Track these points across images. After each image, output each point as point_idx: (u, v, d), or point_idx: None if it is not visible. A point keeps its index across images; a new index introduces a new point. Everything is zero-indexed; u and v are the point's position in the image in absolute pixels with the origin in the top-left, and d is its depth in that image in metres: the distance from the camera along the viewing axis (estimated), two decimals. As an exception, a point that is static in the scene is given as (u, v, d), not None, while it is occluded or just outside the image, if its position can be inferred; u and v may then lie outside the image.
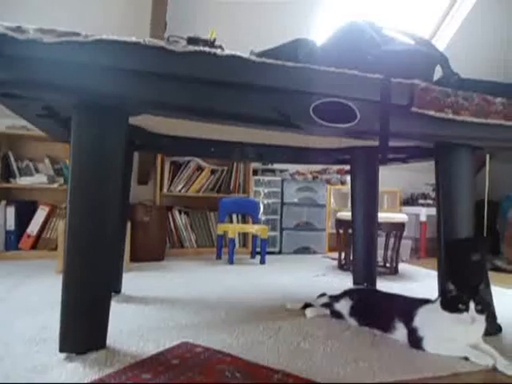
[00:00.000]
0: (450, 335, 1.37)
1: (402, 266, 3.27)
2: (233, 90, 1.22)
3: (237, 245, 3.72)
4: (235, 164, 3.77)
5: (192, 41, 1.48)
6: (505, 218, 3.50)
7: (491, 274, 3.16)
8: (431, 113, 1.38)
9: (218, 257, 3.31)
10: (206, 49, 1.16)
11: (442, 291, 1.40)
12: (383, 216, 2.97)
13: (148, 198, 3.50)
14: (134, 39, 1.11)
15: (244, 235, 3.74)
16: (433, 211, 4.15)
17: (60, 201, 3.24)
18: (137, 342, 1.39)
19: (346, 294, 1.78)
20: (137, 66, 1.13)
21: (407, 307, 1.52)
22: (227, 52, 1.17)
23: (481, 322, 1.36)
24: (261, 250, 3.19)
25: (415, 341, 1.42)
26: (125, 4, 2.85)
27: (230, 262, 3.09)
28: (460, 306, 1.34)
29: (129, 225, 2.73)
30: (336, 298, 1.78)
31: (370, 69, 1.37)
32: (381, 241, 3.20)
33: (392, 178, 4.44)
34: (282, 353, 1.34)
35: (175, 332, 1.51)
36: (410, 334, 1.44)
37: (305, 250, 3.82)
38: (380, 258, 3.19)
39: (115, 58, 1.11)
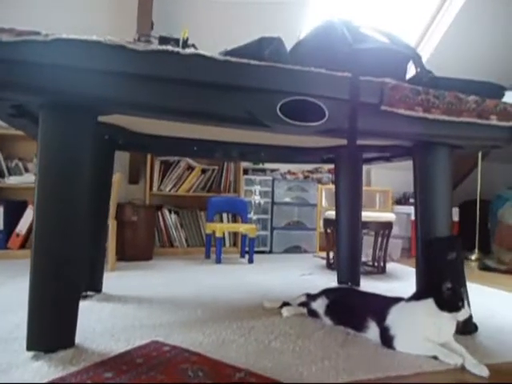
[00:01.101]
0: (423, 334, 1.36)
1: (391, 266, 3.26)
2: (198, 89, 1.22)
3: (227, 244, 3.72)
4: (226, 163, 3.77)
5: (163, 40, 1.49)
6: (495, 217, 3.49)
7: (482, 274, 3.18)
8: (401, 111, 1.38)
9: (207, 256, 3.31)
10: (169, 47, 1.15)
11: (437, 291, 1.38)
12: (370, 215, 2.96)
13: (138, 198, 3.50)
14: (94, 38, 1.11)
15: (235, 234, 3.74)
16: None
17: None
18: (107, 341, 1.40)
19: (323, 293, 1.77)
20: (98, 66, 1.13)
21: (381, 306, 1.52)
22: (190, 51, 1.17)
23: (452, 319, 1.36)
24: (249, 249, 3.19)
25: (387, 340, 1.41)
26: (111, 5, 2.86)
27: (218, 261, 3.09)
28: (459, 303, 1.34)
29: (115, 224, 2.74)
30: (313, 297, 1.78)
31: (341, 67, 1.37)
32: (370, 240, 3.20)
33: (385, 178, 4.44)
34: (251, 352, 1.34)
35: (148, 331, 1.51)
36: (382, 332, 1.44)
37: (296, 250, 3.82)
38: (369, 258, 3.19)
39: (76, 58, 1.11)
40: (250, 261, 3.17)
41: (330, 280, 2.59)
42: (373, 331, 1.48)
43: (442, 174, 1.72)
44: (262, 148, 2.41)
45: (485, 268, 3.36)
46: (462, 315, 1.34)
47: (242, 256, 3.42)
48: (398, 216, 4.22)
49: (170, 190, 3.59)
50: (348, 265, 2.45)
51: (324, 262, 3.30)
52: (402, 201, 4.31)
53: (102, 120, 1.78)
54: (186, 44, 1.52)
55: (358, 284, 2.41)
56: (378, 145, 2.24)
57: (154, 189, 3.55)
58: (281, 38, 1.32)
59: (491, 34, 3.69)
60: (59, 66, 1.12)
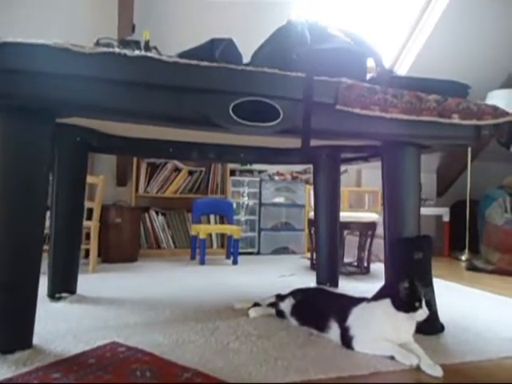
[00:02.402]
0: (380, 334, 1.36)
1: (376, 266, 3.25)
2: (148, 91, 1.23)
3: (215, 245, 3.73)
4: (213, 165, 3.77)
5: (123, 43, 1.49)
6: (483, 217, 3.46)
7: (468, 274, 3.16)
8: (357, 110, 1.38)
9: (192, 257, 3.32)
10: (116, 50, 1.16)
11: (396, 291, 1.37)
12: (353, 216, 2.95)
13: (123, 200, 3.51)
14: (40, 41, 1.12)
15: (222, 236, 3.75)
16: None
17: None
18: (68, 342, 1.40)
19: (292, 293, 1.77)
20: (46, 68, 1.14)
21: (344, 307, 1.51)
22: (137, 53, 1.18)
23: (411, 320, 1.35)
24: (233, 250, 3.19)
25: (346, 340, 1.41)
26: (92, 8, 2.88)
27: (202, 262, 3.10)
28: (416, 304, 1.33)
29: (97, 226, 2.76)
30: (282, 298, 1.78)
31: (297, 67, 1.37)
32: (356, 240, 3.19)
33: (376, 178, 4.41)
34: (207, 352, 1.34)
35: (111, 332, 1.52)
36: (342, 333, 1.43)
37: (283, 251, 3.81)
38: (355, 258, 3.18)
39: (24, 61, 1.12)
40: (235, 262, 3.18)
41: (311, 281, 2.58)
42: (334, 332, 1.47)
43: (408, 174, 1.71)
44: (240, 149, 2.42)
45: (472, 268, 3.33)
46: (419, 316, 1.33)
47: (228, 257, 3.42)
48: (387, 216, 4.21)
49: (157, 192, 3.61)
50: (327, 265, 2.45)
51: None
52: (392, 201, 4.28)
53: (73, 122, 1.80)
54: (147, 47, 1.53)
55: (336, 285, 2.40)
56: (354, 145, 2.24)
57: (141, 191, 3.56)
58: (232, 39, 1.32)
59: (476, 34, 3.67)
60: (9, 69, 1.13)
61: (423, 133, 1.54)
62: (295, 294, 1.75)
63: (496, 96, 3.70)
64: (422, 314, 1.33)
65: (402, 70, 3.88)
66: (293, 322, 1.65)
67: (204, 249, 3.12)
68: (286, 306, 1.71)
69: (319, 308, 1.59)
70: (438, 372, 1.22)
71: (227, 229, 3.25)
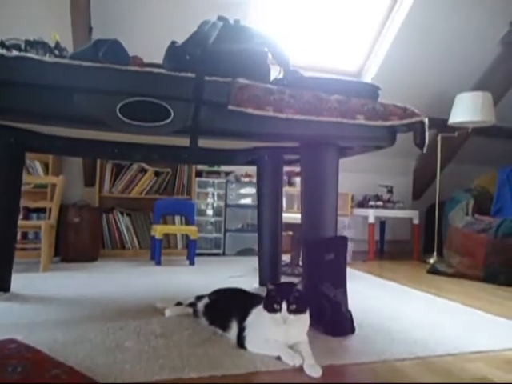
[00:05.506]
0: (268, 335, 1.36)
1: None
2: (31, 91, 1.25)
3: (179, 246, 3.74)
4: (179, 166, 3.79)
5: (29, 44, 1.51)
6: (447, 219, 3.42)
7: (428, 278, 3.12)
8: (249, 110, 1.38)
9: (152, 258, 3.33)
10: (-8, 50, 1.18)
11: (266, 291, 1.38)
12: (295, 217, 2.95)
13: (85, 199, 3.53)
14: None
15: (187, 237, 3.76)
16: (382, 213, 4.10)
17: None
18: (-34, 339, 1.42)
19: (211, 293, 1.78)
20: None
21: (247, 307, 1.51)
22: (16, 53, 1.20)
23: (298, 321, 1.35)
24: (190, 251, 3.20)
25: (240, 340, 1.41)
26: (44, 12, 2.92)
27: (157, 262, 3.11)
28: (275, 306, 1.33)
29: (48, 225, 2.79)
30: (200, 298, 1.78)
31: (190, 67, 1.38)
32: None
33: (346, 180, 4.38)
34: (97, 350, 1.35)
35: (19, 328, 1.54)
36: (238, 332, 1.44)
37: (249, 252, 3.81)
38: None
39: None
40: (192, 263, 3.19)
41: (256, 282, 2.58)
42: (234, 331, 1.47)
43: (325, 175, 1.71)
44: (183, 150, 2.43)
45: (434, 272, 3.30)
46: (276, 318, 1.31)
47: (188, 258, 3.43)
48: (355, 219, 4.20)
49: (122, 193, 3.64)
50: (269, 266, 2.45)
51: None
52: (364, 203, 4.27)
53: (6, 123, 1.83)
54: (56, 47, 1.55)
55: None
56: (294, 146, 2.24)
57: (105, 191, 3.59)
58: (117, 40, 1.34)
59: (437, 45, 3.67)
60: None
61: (328, 133, 1.54)
62: (212, 294, 1.76)
63: (464, 98, 3.67)
64: (279, 318, 1.31)
65: (369, 73, 3.88)
66: (203, 321, 1.65)
67: (160, 249, 3.14)
68: (201, 305, 1.71)
69: (226, 308, 1.59)
70: (315, 372, 1.22)
71: (184, 229, 3.26)
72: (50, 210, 2.93)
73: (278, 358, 1.31)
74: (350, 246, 3.65)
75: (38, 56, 1.22)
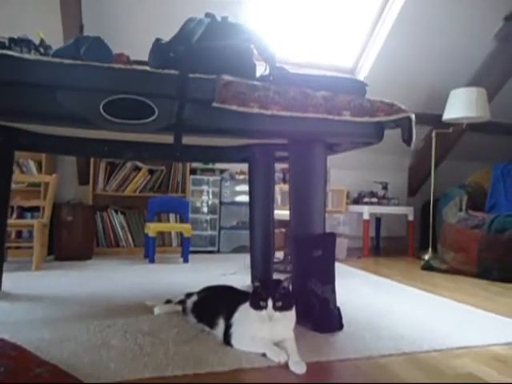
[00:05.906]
0: (254, 332, 1.36)
1: (329, 265, 3.23)
2: (12, 89, 1.24)
3: (174, 244, 3.75)
4: (174, 164, 3.79)
5: (13, 41, 1.50)
6: (441, 216, 3.42)
7: (422, 274, 3.13)
8: (234, 107, 1.37)
9: (146, 255, 3.33)
10: (-28, 48, 1.18)
11: (253, 288, 1.39)
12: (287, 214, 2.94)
13: (78, 198, 3.53)
14: None
15: (181, 235, 3.76)
16: (377, 209, 4.10)
17: None
18: (-45, 337, 1.42)
19: (200, 291, 1.77)
20: None
21: (234, 304, 1.51)
22: (-3, 51, 1.19)
23: (284, 318, 1.35)
24: (184, 248, 3.20)
25: (226, 337, 1.41)
26: (34, 9, 2.90)
27: (151, 260, 3.11)
28: (261, 303, 1.33)
29: (41, 224, 2.78)
30: (189, 296, 1.78)
31: (174, 65, 1.38)
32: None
33: (341, 177, 4.40)
34: (82, 348, 1.35)
35: (6, 327, 1.54)
36: (225, 330, 1.43)
37: (243, 249, 3.80)
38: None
39: None
40: (185, 260, 3.19)
41: (248, 279, 2.58)
42: (220, 329, 1.47)
43: (313, 171, 1.70)
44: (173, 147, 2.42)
45: (428, 268, 3.30)
46: (262, 315, 1.31)
47: (182, 256, 3.43)
48: (351, 215, 4.20)
49: (116, 191, 3.63)
50: (261, 264, 2.45)
51: (264, 261, 3.28)
52: (359, 200, 4.26)
53: None
54: (41, 45, 1.54)
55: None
56: (284, 143, 2.23)
57: (99, 189, 3.58)
58: (99, 37, 1.33)
59: (431, 41, 3.66)
60: None
61: (314, 130, 1.53)
62: (201, 291, 1.76)
63: (459, 94, 3.66)
64: (265, 315, 1.31)
65: (363, 70, 3.86)
66: (192, 319, 1.65)
67: (154, 247, 3.14)
68: (190, 303, 1.71)
69: (214, 305, 1.59)
70: (299, 369, 1.22)
71: (177, 227, 3.26)
72: (44, 208, 2.94)
73: (264, 354, 1.32)
74: (345, 243, 3.66)
75: (18, 53, 1.21)
